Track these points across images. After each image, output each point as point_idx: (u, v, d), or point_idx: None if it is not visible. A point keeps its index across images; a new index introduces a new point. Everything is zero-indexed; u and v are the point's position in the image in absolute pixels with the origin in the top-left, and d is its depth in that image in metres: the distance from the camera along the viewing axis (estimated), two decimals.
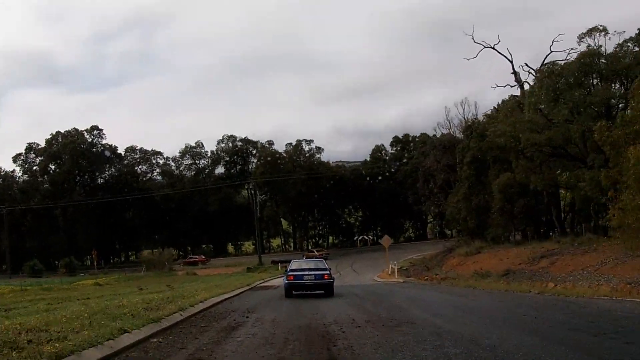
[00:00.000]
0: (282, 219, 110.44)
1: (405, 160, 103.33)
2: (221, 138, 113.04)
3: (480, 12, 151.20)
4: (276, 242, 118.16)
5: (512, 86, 59.38)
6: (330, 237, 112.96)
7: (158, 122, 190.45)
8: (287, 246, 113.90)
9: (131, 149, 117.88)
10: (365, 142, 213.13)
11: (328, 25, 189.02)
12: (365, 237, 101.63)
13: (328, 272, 25.48)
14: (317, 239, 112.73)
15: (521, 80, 57.76)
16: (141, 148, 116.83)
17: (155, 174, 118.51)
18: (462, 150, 57.53)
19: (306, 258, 72.63)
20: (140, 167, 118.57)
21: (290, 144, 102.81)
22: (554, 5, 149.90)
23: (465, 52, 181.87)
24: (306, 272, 25.14)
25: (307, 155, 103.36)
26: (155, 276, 64.97)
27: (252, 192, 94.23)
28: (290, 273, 25.06)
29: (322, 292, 24.70)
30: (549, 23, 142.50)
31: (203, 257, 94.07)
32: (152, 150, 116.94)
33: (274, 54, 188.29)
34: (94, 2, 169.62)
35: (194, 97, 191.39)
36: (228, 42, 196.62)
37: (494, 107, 57.55)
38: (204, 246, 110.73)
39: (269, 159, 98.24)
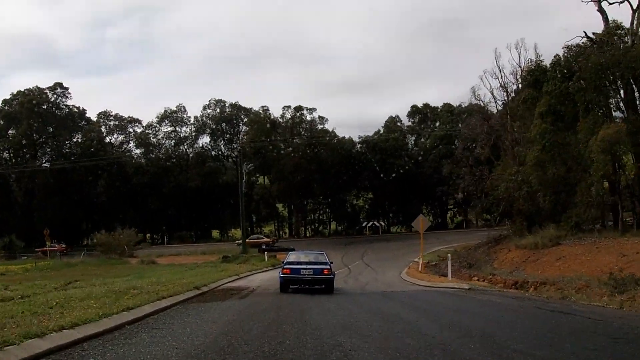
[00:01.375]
0: (276, 199, 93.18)
1: (427, 136, 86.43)
2: (207, 102, 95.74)
3: None
4: (269, 227, 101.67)
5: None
6: (333, 223, 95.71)
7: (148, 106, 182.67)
8: (282, 232, 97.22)
9: (104, 115, 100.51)
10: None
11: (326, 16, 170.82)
12: (377, 223, 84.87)
13: (328, 266, 23.49)
14: (316, 224, 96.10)
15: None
16: (116, 114, 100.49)
17: (132, 145, 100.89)
18: (525, 101, 40.65)
19: (250, 247, 61.93)
20: (115, 136, 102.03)
21: (289, 107, 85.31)
22: None
23: None
24: (304, 266, 23.09)
25: (308, 123, 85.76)
26: (99, 264, 49.55)
27: (238, 160, 76.81)
28: (286, 266, 23.34)
29: (322, 287, 22.75)
30: None
31: (63, 245, 75.38)
32: (129, 117, 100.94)
33: (270, 45, 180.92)
34: None
35: (185, 85, 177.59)
36: (224, 32, 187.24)
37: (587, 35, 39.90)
38: (185, 232, 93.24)
39: (261, 124, 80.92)
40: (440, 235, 72.37)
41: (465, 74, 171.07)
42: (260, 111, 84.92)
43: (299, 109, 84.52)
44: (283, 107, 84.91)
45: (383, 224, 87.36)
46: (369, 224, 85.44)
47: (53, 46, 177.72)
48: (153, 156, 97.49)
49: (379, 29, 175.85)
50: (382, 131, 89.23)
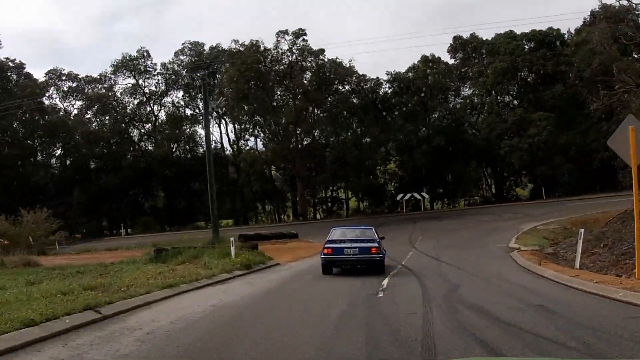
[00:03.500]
0: (271, 167, 69.57)
1: (479, 73, 63.19)
2: (181, 47, 72.67)
3: None
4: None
5: None
6: (352, 200, 71.68)
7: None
8: (283, 214, 73.55)
9: (55, 73, 76.90)
10: None
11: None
12: (417, 195, 60.60)
13: (377, 244, 20.86)
14: (329, 203, 71.78)
15: None
16: (70, 72, 78.40)
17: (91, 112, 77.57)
18: None
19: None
20: (72, 101, 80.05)
21: (285, 32, 60.58)
22: None
23: None
24: (348, 245, 20.73)
25: (312, 57, 61.41)
26: None
27: (215, 110, 52.70)
28: (328, 245, 20.96)
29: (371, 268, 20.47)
30: None
31: None
32: (87, 75, 78.31)
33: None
34: None
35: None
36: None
37: None
38: (149, 218, 70.57)
39: (248, 59, 56.96)
40: (517, 209, 51.22)
41: None
42: (249, 45, 59.88)
43: (298, 34, 59.78)
44: (277, 33, 60.23)
45: (426, 196, 63.01)
46: (407, 197, 61.19)
47: None
48: (107, 118, 74.10)
49: None
50: (418, 68, 64.99)
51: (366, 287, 16.71)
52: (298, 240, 40.89)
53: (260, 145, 71.94)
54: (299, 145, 63.71)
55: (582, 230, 20.37)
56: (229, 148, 75.35)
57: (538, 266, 20.84)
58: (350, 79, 62.17)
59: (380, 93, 65.86)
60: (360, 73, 63.10)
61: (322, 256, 21.03)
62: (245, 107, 61.67)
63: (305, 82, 61.63)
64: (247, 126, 70.95)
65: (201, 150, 74.50)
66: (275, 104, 62.86)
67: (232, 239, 25.84)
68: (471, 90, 68.37)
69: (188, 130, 76.72)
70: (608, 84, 58.12)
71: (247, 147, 72.79)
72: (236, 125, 72.44)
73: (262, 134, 68.35)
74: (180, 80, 75.12)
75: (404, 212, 61.40)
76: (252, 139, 72.59)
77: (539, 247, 28.19)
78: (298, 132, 62.37)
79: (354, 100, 63.30)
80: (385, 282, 17.73)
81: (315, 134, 67.23)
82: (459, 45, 69.04)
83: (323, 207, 73.99)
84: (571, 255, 26.24)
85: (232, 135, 73.81)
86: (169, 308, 13.52)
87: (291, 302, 14.65)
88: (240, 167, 69.98)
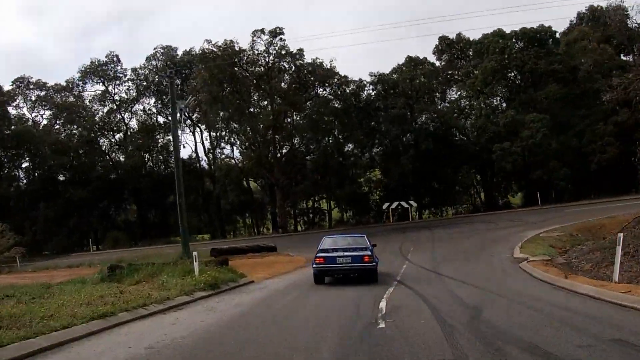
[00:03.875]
0: (250, 177, 65.76)
1: (466, 75, 60.24)
2: (153, 52, 68.83)
3: None
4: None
5: None
6: (336, 210, 67.97)
7: None
8: (263, 227, 69.59)
9: (22, 81, 72.53)
10: None
11: None
12: (405, 203, 56.84)
13: (369, 252, 20.58)
14: (310, 214, 68.08)
15: None
16: (38, 81, 73.41)
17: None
18: None
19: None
20: (41, 111, 75.08)
21: (261, 31, 56.60)
22: None
23: None
24: (340, 253, 20.44)
25: (291, 58, 57.57)
26: None
27: (184, 110, 48.44)
28: (320, 254, 20.59)
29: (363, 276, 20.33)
30: None
31: None
32: (56, 84, 73.63)
33: None
34: None
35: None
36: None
37: None
38: (119, 231, 66.45)
39: (222, 60, 53.04)
40: (513, 216, 48.02)
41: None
42: (224, 45, 55.80)
43: (275, 33, 55.79)
44: (253, 33, 56.17)
45: (414, 204, 59.21)
46: (394, 206, 57.42)
47: None
48: (76, 127, 69.99)
49: None
50: (403, 69, 61.54)
51: (361, 314, 13.21)
52: (277, 254, 37.11)
53: (237, 154, 68.12)
54: (278, 153, 59.86)
55: (622, 235, 16.70)
56: (204, 157, 71.37)
57: (564, 279, 17.64)
58: (331, 80, 58.33)
59: (364, 96, 62.31)
60: (342, 74, 59.42)
61: (314, 266, 20.78)
62: (221, 113, 57.56)
63: (283, 84, 57.69)
64: (223, 133, 67.00)
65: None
66: (252, 109, 58.95)
67: (194, 253, 21.75)
68: (458, 94, 65.03)
69: (161, 139, 72.54)
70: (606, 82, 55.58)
71: (223, 156, 68.89)
72: (212, 133, 68.52)
73: (238, 142, 64.22)
74: (152, 87, 71.10)
75: (391, 221, 57.67)
76: (228, 147, 68.74)
77: (548, 257, 25.24)
78: (276, 138, 58.37)
79: (335, 105, 59.49)
80: (383, 304, 14.33)
81: (295, 141, 63.54)
82: (445, 46, 65.77)
83: (304, 219, 70.15)
84: (587, 265, 23.24)
85: (207, 144, 69.89)
86: (84, 354, 9.61)
87: (261, 340, 10.88)
88: (215, 177, 66.00)
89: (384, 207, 58.70)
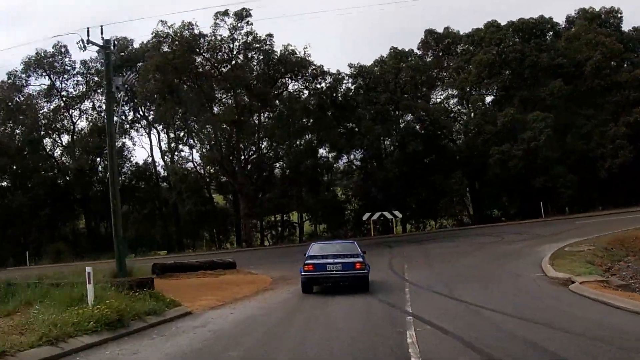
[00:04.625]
0: (211, 186, 58.58)
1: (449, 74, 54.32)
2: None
3: None
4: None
5: None
6: (308, 223, 60.84)
7: None
8: (225, 241, 62.14)
9: None
10: None
11: None
12: (389, 214, 49.76)
13: (361, 259, 19.96)
14: (279, 227, 60.99)
15: None
16: None
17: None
18: None
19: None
20: None
21: (225, 13, 49.03)
22: None
23: None
24: (330, 260, 19.89)
25: (259, 44, 50.24)
26: None
27: (122, 89, 40.40)
28: (309, 261, 19.92)
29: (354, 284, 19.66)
30: None
31: None
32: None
33: None
34: None
35: None
36: None
37: None
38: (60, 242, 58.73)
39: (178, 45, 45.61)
40: (518, 229, 41.69)
41: None
42: (178, 27, 48.43)
43: (241, 16, 48.33)
44: (215, 15, 48.52)
45: (399, 215, 51.96)
46: (375, 217, 50.19)
47: None
48: (19, 127, 62.31)
49: None
50: (387, 61, 54.63)
51: None
52: (236, 272, 30.00)
53: (197, 157, 60.49)
54: (243, 155, 52.46)
55: None
56: (161, 162, 63.66)
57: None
58: (304, 72, 50.92)
59: (342, 90, 55.12)
60: (318, 64, 51.86)
61: (303, 274, 20.13)
62: (177, 108, 49.86)
63: (248, 73, 50.26)
64: (181, 134, 59.54)
65: (128, 166, 63.35)
66: (212, 104, 51.30)
67: (88, 270, 13.91)
68: (446, 93, 58.25)
69: (116, 142, 64.74)
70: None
71: (181, 159, 61.20)
72: (168, 133, 61.00)
73: (198, 144, 56.43)
74: (103, 82, 63.32)
75: (372, 234, 50.44)
76: (187, 149, 61.04)
77: (599, 276, 19.97)
78: (241, 138, 50.80)
79: (310, 100, 52.15)
80: None
81: (263, 145, 56.44)
82: (432, 40, 59.06)
83: (272, 232, 62.69)
84: None
85: (164, 145, 62.22)
86: None
87: None
88: (172, 184, 58.37)
89: (364, 217, 51.28)
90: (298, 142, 54.85)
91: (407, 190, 54.20)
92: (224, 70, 49.27)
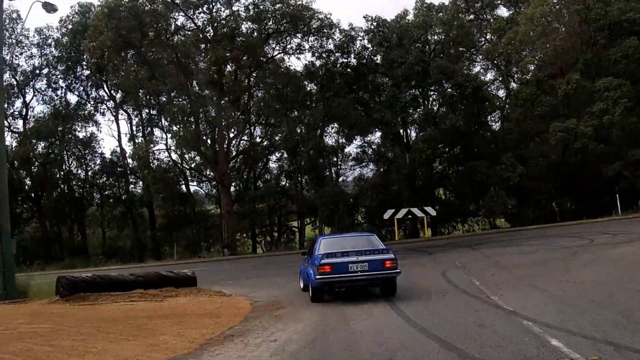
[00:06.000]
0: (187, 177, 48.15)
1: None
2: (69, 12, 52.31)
3: None
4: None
5: None
6: (310, 227, 50.59)
7: None
8: (210, 247, 50.97)
9: None
10: None
11: None
12: (419, 211, 37.83)
13: (392, 255, 15.06)
14: (274, 232, 51.17)
15: None
16: None
17: None
18: None
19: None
20: None
21: None
22: None
23: None
24: (353, 258, 14.82)
25: None
26: None
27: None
28: (326, 261, 14.81)
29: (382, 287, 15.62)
30: None
31: None
32: None
33: None
34: None
35: None
36: None
37: None
38: None
39: None
40: (599, 227, 30.74)
41: None
42: None
43: None
44: None
45: (432, 212, 39.67)
46: (400, 216, 38.24)
47: None
48: None
49: None
50: (414, 16, 43.27)
51: None
52: (196, 291, 18.86)
53: (169, 141, 48.78)
54: (226, 134, 41.16)
55: None
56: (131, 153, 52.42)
57: None
58: (307, 22, 39.18)
59: (357, 48, 43.06)
60: (325, 12, 40.13)
61: (318, 277, 14.99)
62: (140, 70, 38.38)
63: (231, 23, 38.65)
64: (152, 112, 48.19)
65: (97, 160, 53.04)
66: (186, 61, 39.61)
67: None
68: (484, 58, 46.67)
69: (79, 129, 53.94)
70: None
71: (153, 148, 49.15)
72: (136, 113, 49.75)
73: (169, 120, 44.38)
74: (63, 57, 52.37)
75: (397, 238, 38.85)
76: (158, 132, 49.54)
77: None
78: (225, 107, 39.24)
79: (314, 62, 40.85)
80: None
81: (256, 132, 45.41)
82: None
83: (267, 238, 51.44)
84: None
85: (130, 128, 50.95)
86: None
87: None
88: (140, 176, 47.10)
89: (386, 216, 39.45)
90: (300, 118, 43.54)
91: (440, 181, 42.59)
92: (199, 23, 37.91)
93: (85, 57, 43.78)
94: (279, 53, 40.91)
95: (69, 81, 53.15)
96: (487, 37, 47.04)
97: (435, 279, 18.18)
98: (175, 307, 15.72)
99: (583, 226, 33.34)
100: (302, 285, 17.69)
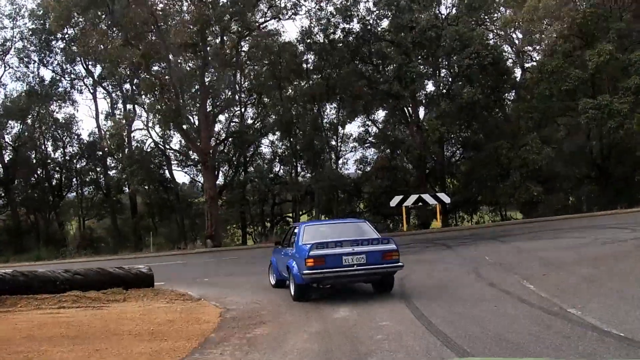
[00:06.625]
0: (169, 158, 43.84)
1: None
2: None
3: None
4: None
5: None
6: (304, 215, 45.59)
7: None
8: (195, 239, 46.55)
9: None
10: None
11: None
12: (430, 198, 33.22)
13: (393, 245, 12.66)
14: (267, 222, 46.27)
15: None
16: None
17: None
18: None
19: None
20: None
21: None
22: None
23: None
24: (348, 249, 12.37)
25: None
26: None
27: None
28: (316, 253, 12.29)
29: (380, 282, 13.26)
30: None
31: None
32: None
33: None
34: None
35: None
36: None
37: None
38: None
39: None
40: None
41: None
42: None
43: None
44: None
45: (446, 200, 35.19)
46: (409, 203, 33.55)
47: None
48: None
49: None
50: None
51: None
52: (151, 293, 14.58)
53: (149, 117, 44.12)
54: (210, 108, 36.72)
55: None
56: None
57: None
58: None
59: (360, 10, 37.67)
60: None
61: (306, 272, 12.43)
62: (112, 33, 33.77)
63: None
64: (132, 88, 43.81)
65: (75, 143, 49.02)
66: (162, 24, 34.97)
67: None
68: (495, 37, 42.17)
69: (55, 110, 49.48)
70: None
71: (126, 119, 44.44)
72: (112, 87, 45.35)
73: (148, 98, 39.64)
74: (38, 27, 47.80)
75: (405, 229, 34.32)
76: (139, 110, 44.95)
77: None
78: (208, 75, 34.85)
79: (311, 28, 36.36)
80: None
81: (247, 113, 41.17)
82: None
83: (258, 229, 47.10)
84: None
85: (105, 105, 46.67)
86: None
87: None
88: (114, 156, 42.79)
89: (393, 203, 34.53)
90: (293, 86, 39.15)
91: (454, 164, 38.06)
92: None
93: (49, 15, 39.00)
94: (271, 18, 36.37)
95: (43, 54, 48.91)
96: (502, 10, 42.54)
97: (468, 281, 13.88)
98: (113, 318, 11.28)
99: (618, 217, 29.02)
100: (273, 282, 15.16)
